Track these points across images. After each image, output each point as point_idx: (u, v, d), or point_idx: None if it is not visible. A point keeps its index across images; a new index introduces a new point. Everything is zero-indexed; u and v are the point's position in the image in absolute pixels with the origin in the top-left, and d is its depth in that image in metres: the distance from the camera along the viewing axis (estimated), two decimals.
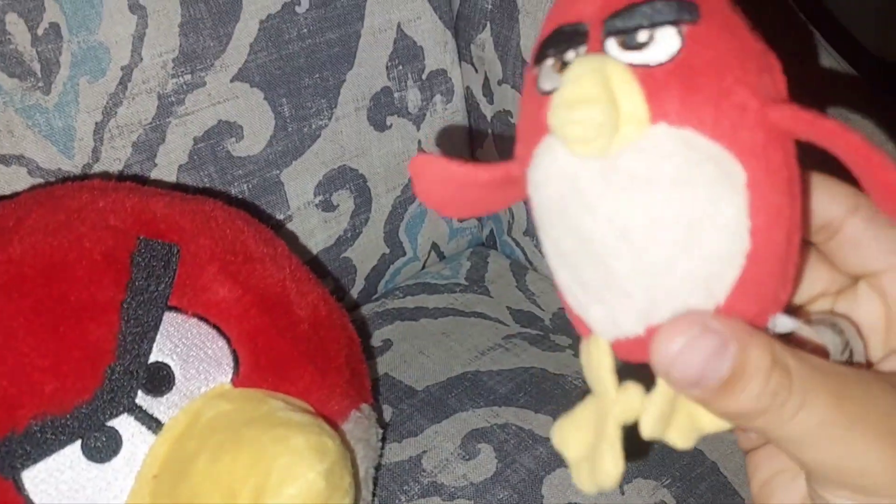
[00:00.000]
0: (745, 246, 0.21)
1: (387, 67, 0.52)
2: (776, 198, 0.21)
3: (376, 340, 0.51)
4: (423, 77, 0.54)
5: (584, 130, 0.20)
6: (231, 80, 0.47)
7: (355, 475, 0.35)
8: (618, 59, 0.21)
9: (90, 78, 0.43)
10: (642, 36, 0.21)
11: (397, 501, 0.41)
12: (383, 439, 0.43)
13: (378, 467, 0.42)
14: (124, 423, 0.31)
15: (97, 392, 0.31)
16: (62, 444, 0.30)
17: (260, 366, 0.34)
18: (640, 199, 0.20)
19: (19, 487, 0.30)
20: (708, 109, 0.21)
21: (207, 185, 0.47)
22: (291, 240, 0.51)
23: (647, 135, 0.21)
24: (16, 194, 0.40)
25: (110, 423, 0.31)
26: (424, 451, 0.43)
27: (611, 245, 0.21)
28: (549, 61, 0.22)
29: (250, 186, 0.49)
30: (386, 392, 0.47)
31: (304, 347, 0.35)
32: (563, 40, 0.22)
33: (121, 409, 0.31)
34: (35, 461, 0.30)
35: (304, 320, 0.36)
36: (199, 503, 0.30)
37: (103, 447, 0.31)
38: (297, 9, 0.48)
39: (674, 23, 0.21)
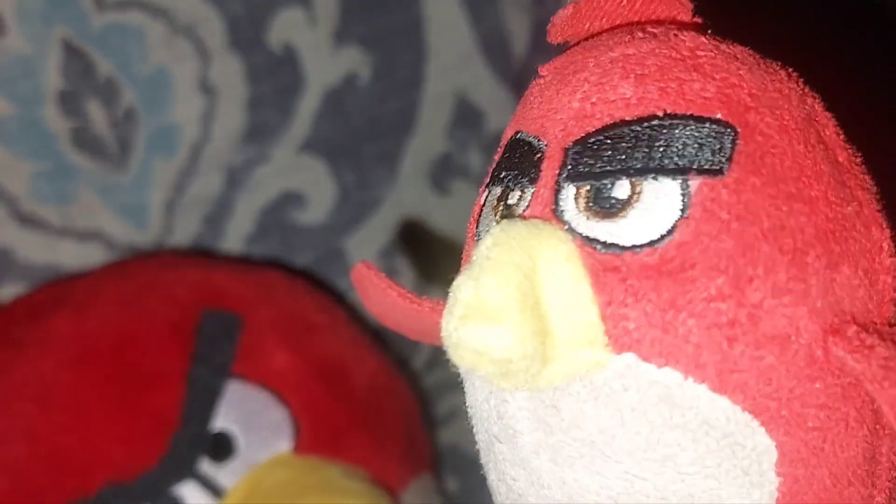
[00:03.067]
0: None
1: (448, 133, 0.55)
2: (835, 487, 0.13)
3: (442, 409, 0.53)
4: (486, 140, 0.57)
5: (487, 364, 0.13)
6: (295, 153, 0.50)
7: None
8: (570, 232, 0.14)
9: (163, 157, 0.47)
10: (621, 190, 0.14)
11: None
12: None
13: None
14: (189, 490, 0.34)
15: (163, 459, 0.33)
16: None
17: (318, 434, 0.36)
18: (592, 478, 0.14)
19: None
20: (715, 340, 0.13)
21: (273, 255, 0.50)
22: (355, 308, 0.53)
23: (604, 373, 0.14)
24: (93, 269, 0.44)
25: (175, 490, 0.33)
26: None
27: None
28: (496, 191, 0.16)
29: (315, 255, 0.51)
30: (452, 462, 0.48)
31: (361, 416, 0.37)
32: (512, 164, 0.16)
33: (186, 475, 0.34)
34: None
35: (361, 389, 0.38)
36: None
37: None
38: (358, 81, 0.51)
39: (680, 171, 0.14)
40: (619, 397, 0.13)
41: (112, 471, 0.33)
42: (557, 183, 0.15)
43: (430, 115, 0.54)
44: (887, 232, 0.14)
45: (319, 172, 0.51)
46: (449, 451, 0.49)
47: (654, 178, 0.14)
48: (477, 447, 0.17)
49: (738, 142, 0.14)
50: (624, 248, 0.14)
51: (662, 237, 0.14)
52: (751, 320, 0.13)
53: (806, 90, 0.15)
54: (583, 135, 0.15)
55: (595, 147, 0.14)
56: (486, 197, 0.17)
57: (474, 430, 0.16)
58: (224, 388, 0.35)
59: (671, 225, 0.14)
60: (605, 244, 0.14)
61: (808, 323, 0.13)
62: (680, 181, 0.14)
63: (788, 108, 0.15)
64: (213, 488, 0.34)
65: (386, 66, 0.51)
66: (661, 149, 0.14)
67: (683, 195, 0.14)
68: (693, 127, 0.14)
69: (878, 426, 0.14)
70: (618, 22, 0.16)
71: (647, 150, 0.14)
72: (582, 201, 0.14)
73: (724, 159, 0.14)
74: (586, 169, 0.14)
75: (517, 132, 0.17)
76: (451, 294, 0.14)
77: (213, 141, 0.48)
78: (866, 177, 0.15)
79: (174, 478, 0.33)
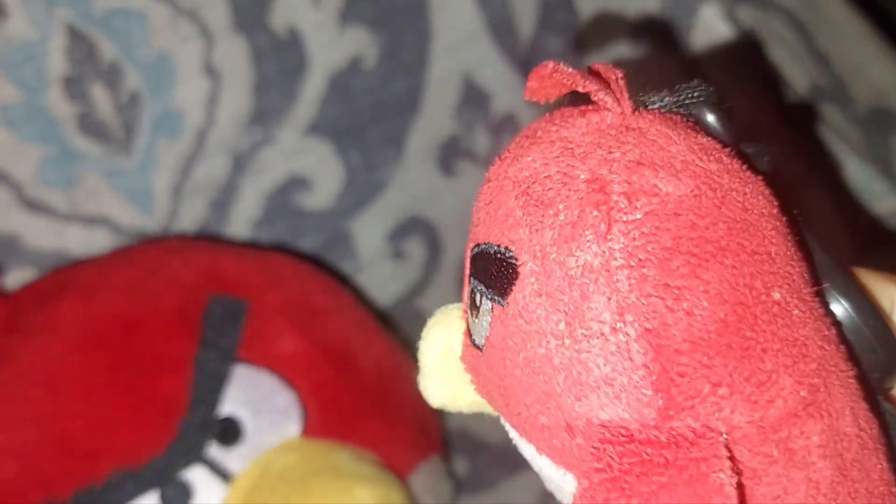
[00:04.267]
0: None
1: (454, 114, 0.55)
2: None
3: None
4: (492, 121, 0.56)
5: (433, 403, 0.21)
6: (301, 135, 0.50)
7: None
8: (465, 321, 0.20)
9: (168, 141, 0.47)
10: (478, 298, 0.19)
11: None
12: (458, 492, 0.45)
13: None
14: (197, 475, 0.34)
15: (171, 445, 0.33)
16: (138, 495, 0.33)
17: (327, 417, 0.36)
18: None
19: None
20: (517, 421, 0.19)
21: (279, 239, 0.50)
22: (362, 291, 0.53)
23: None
24: (100, 254, 0.44)
25: (184, 475, 0.34)
26: None
27: None
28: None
29: (321, 239, 0.51)
30: (461, 445, 0.49)
31: (369, 399, 0.37)
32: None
33: (194, 460, 0.34)
34: None
35: (369, 372, 0.38)
36: None
37: (177, 498, 0.33)
38: (364, 63, 0.51)
39: (489, 292, 0.19)
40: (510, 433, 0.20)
41: (121, 456, 0.33)
42: (470, 286, 0.20)
43: (436, 96, 0.53)
44: (651, 351, 0.17)
45: (325, 155, 0.51)
46: (457, 433, 0.50)
47: (484, 296, 0.19)
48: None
49: (518, 273, 0.18)
50: (475, 343, 0.19)
51: (485, 341, 0.19)
52: (530, 415, 0.18)
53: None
54: (472, 245, 0.19)
55: (473, 259, 0.19)
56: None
57: None
58: (231, 372, 0.35)
59: (486, 335, 0.19)
60: (472, 338, 0.20)
61: (574, 420, 0.17)
62: (489, 301, 0.18)
63: (578, 236, 0.17)
64: (221, 473, 0.34)
65: (391, 48, 0.51)
66: (484, 272, 0.18)
67: (490, 313, 0.18)
68: (498, 256, 0.18)
69: None
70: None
71: (482, 270, 0.19)
72: (472, 301, 0.19)
73: (506, 289, 0.18)
74: (472, 275, 0.19)
75: (478, 244, 0.21)
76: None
77: (218, 124, 0.48)
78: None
79: (183, 463, 0.34)
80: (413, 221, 0.55)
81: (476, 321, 0.19)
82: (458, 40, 0.53)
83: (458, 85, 0.54)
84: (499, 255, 0.18)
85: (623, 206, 0.17)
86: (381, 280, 0.54)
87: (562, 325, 0.17)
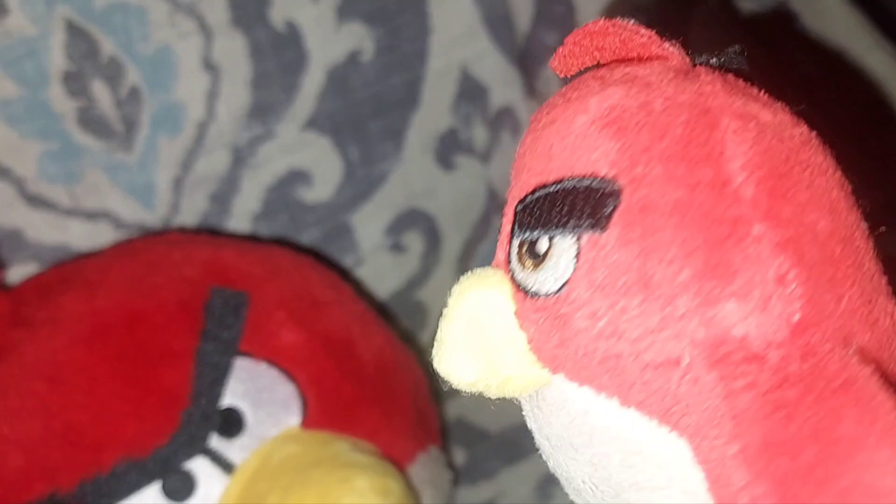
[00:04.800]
0: None
1: (452, 107, 0.55)
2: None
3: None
4: (490, 115, 0.57)
5: (459, 386, 0.18)
6: (300, 130, 0.50)
7: None
8: (512, 279, 0.18)
9: (168, 135, 0.47)
10: (542, 245, 0.18)
11: None
12: (457, 482, 0.45)
13: None
14: (200, 465, 0.35)
15: (174, 436, 0.34)
16: (142, 486, 0.34)
17: (326, 409, 0.37)
18: (570, 463, 0.18)
19: None
20: (609, 367, 0.17)
21: (279, 233, 0.51)
22: (362, 284, 0.54)
23: (550, 388, 0.18)
24: (102, 248, 0.44)
25: (187, 465, 0.34)
26: (499, 494, 0.45)
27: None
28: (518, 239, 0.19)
29: (321, 232, 0.52)
30: (459, 435, 0.49)
31: (369, 390, 0.38)
32: (524, 217, 0.19)
33: (196, 451, 0.34)
34: (119, 501, 0.34)
35: (369, 363, 0.39)
36: None
37: (180, 488, 0.34)
38: (362, 57, 0.51)
39: (573, 229, 0.17)
40: (561, 407, 0.18)
41: (125, 446, 0.34)
42: (510, 237, 0.18)
43: (435, 89, 0.54)
44: (789, 260, 0.16)
45: (324, 149, 0.51)
46: (456, 423, 0.50)
47: (561, 235, 0.17)
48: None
49: (621, 199, 0.17)
50: (538, 294, 0.17)
51: (563, 285, 0.17)
52: (632, 352, 0.16)
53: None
54: (523, 195, 0.18)
55: (529, 207, 0.18)
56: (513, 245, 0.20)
57: None
58: (232, 364, 0.36)
59: (569, 275, 0.17)
60: (529, 290, 0.18)
61: (691, 350, 0.16)
62: (575, 237, 0.17)
63: (691, 155, 0.17)
64: (223, 463, 0.35)
65: (389, 42, 0.51)
66: (565, 209, 0.17)
67: (577, 249, 0.17)
68: (586, 187, 0.17)
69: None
70: (607, 59, 0.19)
71: (557, 210, 0.17)
72: (522, 254, 0.18)
73: (605, 217, 0.17)
74: (523, 226, 0.18)
75: (538, 186, 0.19)
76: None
77: (217, 119, 0.48)
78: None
79: (185, 453, 0.34)
80: (412, 214, 0.55)
81: (542, 269, 0.17)
82: (456, 34, 0.53)
83: (455, 78, 0.55)
84: (588, 187, 0.17)
85: (735, 127, 0.17)
86: (381, 273, 0.55)
87: (686, 241, 0.16)
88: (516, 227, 0.18)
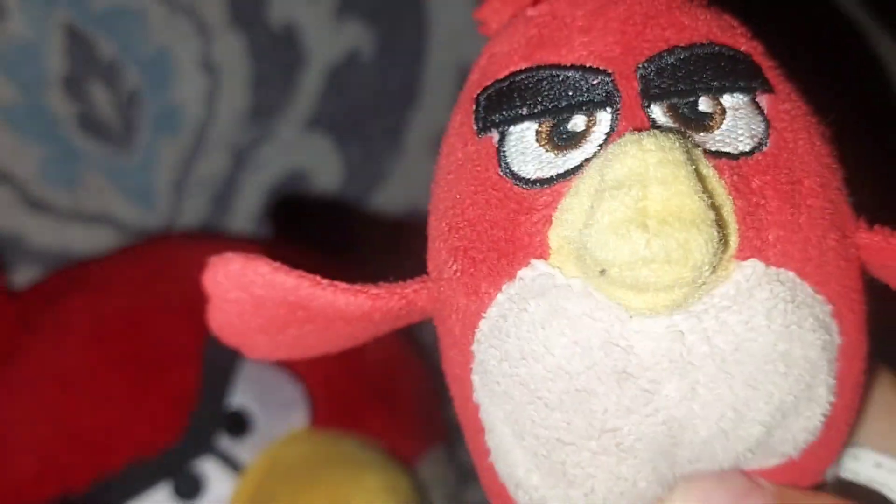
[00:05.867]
0: (828, 407, 0.16)
1: (452, 105, 0.55)
2: (861, 351, 0.16)
3: None
4: None
5: (685, 272, 0.13)
6: (301, 130, 0.51)
7: None
8: (697, 144, 0.14)
9: (168, 138, 0.47)
10: (705, 106, 0.15)
11: None
12: (464, 480, 0.45)
13: None
14: (208, 466, 0.35)
15: (183, 436, 0.34)
16: (152, 486, 0.34)
17: (333, 408, 0.37)
18: (718, 398, 0.14)
19: None
20: (816, 238, 0.14)
21: (282, 234, 0.51)
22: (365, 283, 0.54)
23: (738, 280, 0.14)
24: (103, 252, 0.45)
25: (196, 465, 0.35)
26: None
27: (681, 430, 0.15)
28: (529, 129, 0.16)
29: (324, 231, 0.52)
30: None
31: (375, 389, 0.38)
32: (557, 94, 0.16)
33: (205, 451, 0.35)
34: (129, 501, 0.34)
35: (375, 363, 0.39)
36: None
37: (190, 488, 0.34)
38: (361, 56, 0.52)
39: (747, 89, 0.15)
40: (751, 302, 0.14)
41: (135, 448, 0.34)
42: (641, 100, 0.15)
43: (434, 87, 0.54)
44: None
45: (325, 149, 0.52)
46: None
47: (731, 95, 0.15)
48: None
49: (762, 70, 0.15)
50: (734, 155, 0.14)
51: (761, 144, 0.15)
52: (833, 217, 0.15)
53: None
54: (648, 56, 0.15)
55: (669, 68, 0.15)
56: (504, 139, 0.17)
57: (538, 391, 0.16)
58: (239, 365, 0.36)
59: (763, 133, 0.15)
60: (713, 153, 0.14)
61: (851, 218, 0.15)
62: (750, 96, 0.15)
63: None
64: (232, 463, 0.35)
65: (388, 40, 0.51)
66: (727, 69, 0.15)
67: (759, 108, 0.15)
68: (736, 52, 0.15)
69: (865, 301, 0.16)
70: None
71: (715, 70, 0.15)
72: (672, 119, 0.15)
73: (768, 80, 0.15)
74: (670, 88, 0.15)
75: (536, 66, 0.17)
76: (608, 200, 0.13)
77: (217, 120, 0.48)
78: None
79: (194, 454, 0.35)
80: (413, 213, 0.55)
81: (720, 129, 0.14)
82: (455, 31, 0.53)
83: (455, 76, 0.55)
84: (729, 53, 0.15)
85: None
86: (383, 272, 0.55)
87: None
88: (651, 91, 0.15)
